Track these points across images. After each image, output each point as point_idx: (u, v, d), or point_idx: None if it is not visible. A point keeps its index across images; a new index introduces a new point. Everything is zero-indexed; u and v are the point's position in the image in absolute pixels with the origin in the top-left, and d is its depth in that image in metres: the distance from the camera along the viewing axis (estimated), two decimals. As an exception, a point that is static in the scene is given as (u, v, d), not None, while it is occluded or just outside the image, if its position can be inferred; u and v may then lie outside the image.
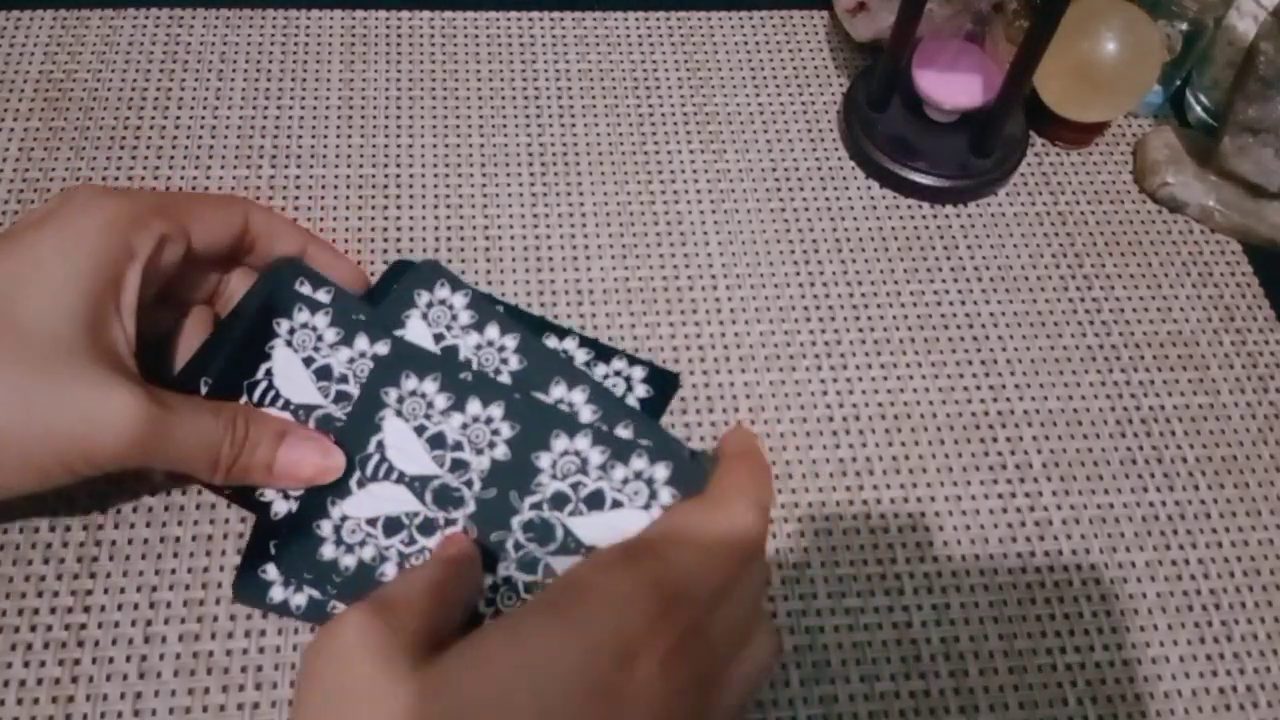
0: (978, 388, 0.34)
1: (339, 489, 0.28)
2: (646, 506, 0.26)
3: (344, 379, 0.29)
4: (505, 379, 0.29)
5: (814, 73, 0.42)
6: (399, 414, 0.27)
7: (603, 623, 0.20)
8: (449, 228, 0.36)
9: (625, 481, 0.26)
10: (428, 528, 0.27)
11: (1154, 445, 0.33)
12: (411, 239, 0.36)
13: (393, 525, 0.27)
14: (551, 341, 0.32)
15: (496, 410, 0.27)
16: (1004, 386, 0.34)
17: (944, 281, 0.37)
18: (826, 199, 0.38)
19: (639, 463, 0.26)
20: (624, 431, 0.27)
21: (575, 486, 0.26)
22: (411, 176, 0.37)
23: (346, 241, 0.36)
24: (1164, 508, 0.32)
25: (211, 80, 0.39)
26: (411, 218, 0.36)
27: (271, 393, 0.29)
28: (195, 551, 0.29)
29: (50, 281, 0.24)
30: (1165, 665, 0.29)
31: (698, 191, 0.38)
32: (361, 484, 0.28)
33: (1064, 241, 0.38)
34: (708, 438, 0.32)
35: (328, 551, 0.27)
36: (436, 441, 0.27)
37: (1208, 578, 0.31)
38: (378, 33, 0.41)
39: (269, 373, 0.29)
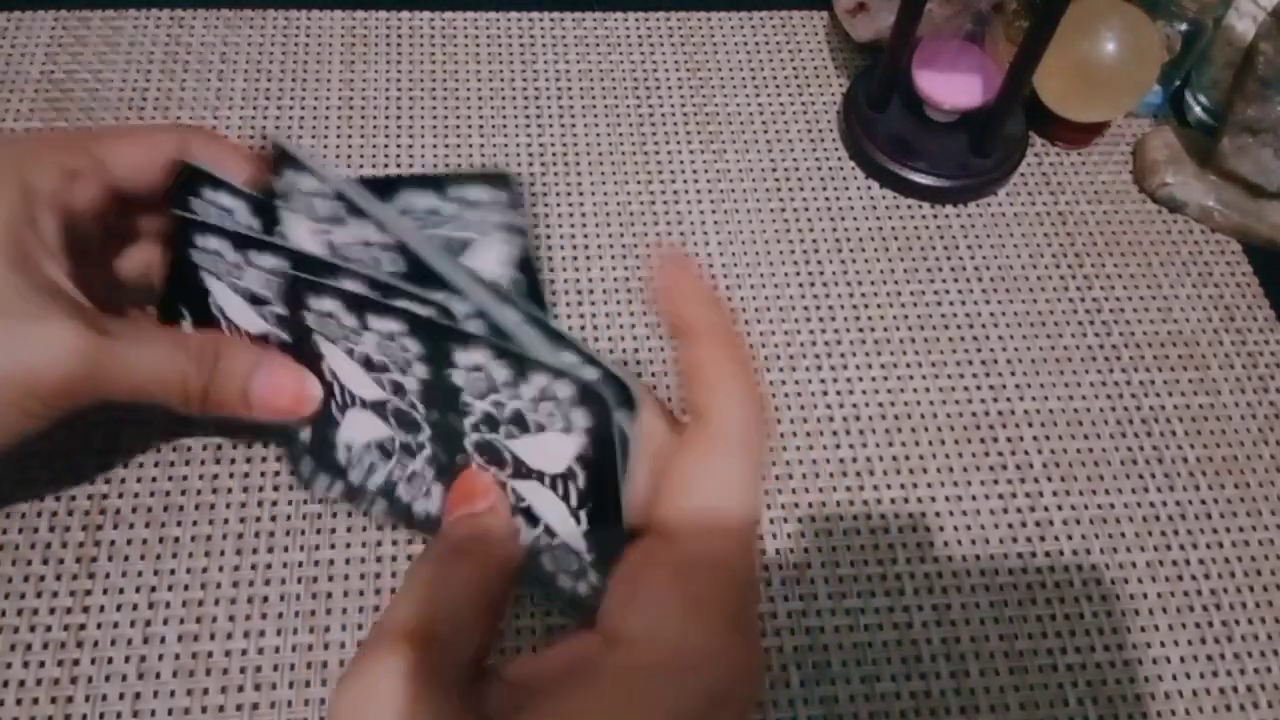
0: (978, 388, 0.34)
1: (329, 420, 0.26)
2: (566, 430, 0.22)
3: (267, 300, 0.26)
4: (382, 272, 0.25)
5: (814, 73, 0.42)
6: (326, 338, 0.25)
7: (684, 688, 0.17)
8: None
9: (536, 401, 0.22)
10: (408, 450, 0.26)
11: (1154, 445, 0.33)
12: (411, 239, 0.36)
13: (383, 449, 0.26)
14: (461, 357, 0.23)
15: (397, 325, 0.23)
16: (1004, 386, 0.34)
17: (944, 281, 0.37)
18: (826, 199, 0.38)
19: (540, 379, 0.21)
20: (515, 344, 0.22)
21: (496, 405, 0.23)
22: (411, 177, 0.37)
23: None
24: (1164, 508, 0.32)
25: (212, 80, 0.39)
26: (411, 218, 0.36)
27: (229, 323, 0.27)
28: (195, 552, 0.29)
29: None
30: (1166, 665, 0.29)
31: (698, 191, 0.38)
32: (342, 410, 0.26)
33: (1064, 241, 0.38)
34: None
35: (355, 478, 0.27)
36: (367, 364, 0.25)
37: (1208, 578, 0.31)
38: (378, 33, 0.41)
39: (218, 305, 0.27)
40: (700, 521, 0.19)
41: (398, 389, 0.24)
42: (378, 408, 0.25)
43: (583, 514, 0.23)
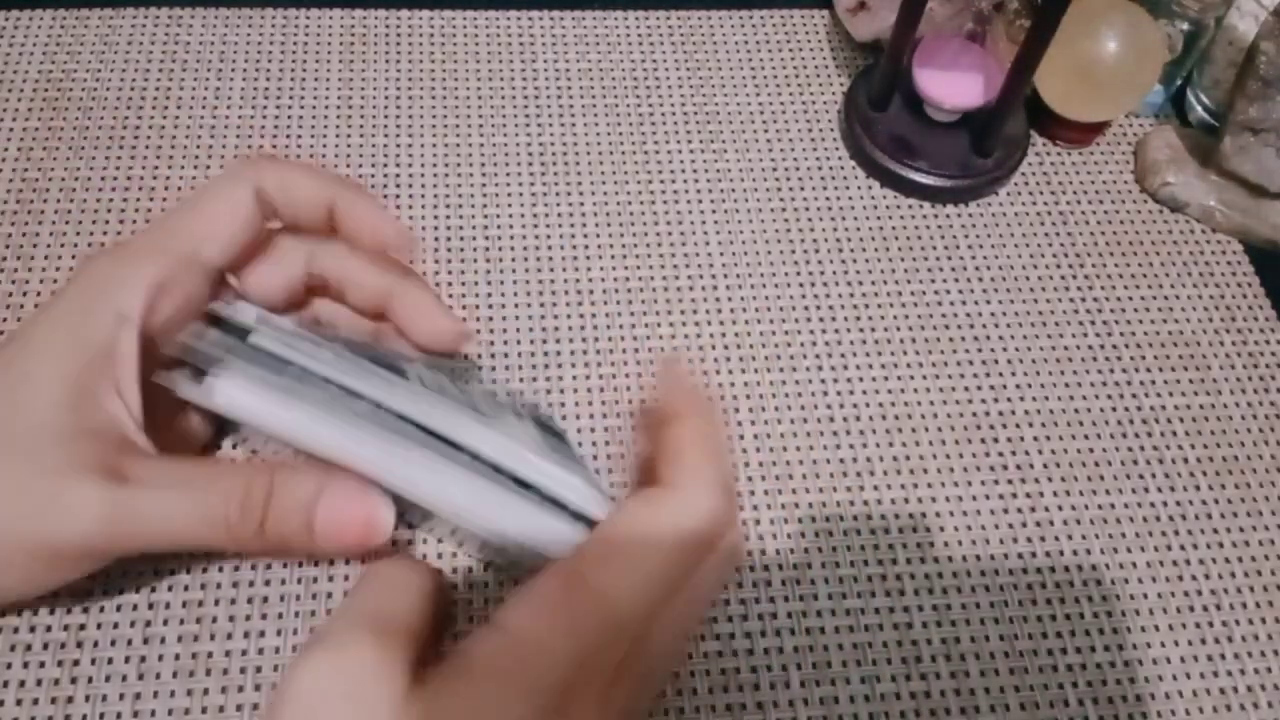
0: (978, 388, 0.34)
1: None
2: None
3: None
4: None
5: (814, 72, 0.42)
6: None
7: (545, 683, 0.19)
8: (449, 228, 0.36)
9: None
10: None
11: (1155, 445, 0.33)
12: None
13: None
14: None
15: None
16: (1005, 387, 0.34)
17: (945, 281, 0.37)
18: (827, 199, 0.38)
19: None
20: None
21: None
22: (411, 176, 0.37)
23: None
24: (1165, 508, 0.32)
25: (210, 80, 0.39)
26: (411, 218, 0.36)
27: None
28: (194, 552, 0.29)
29: (36, 379, 0.23)
30: (1166, 666, 0.29)
31: (698, 191, 0.38)
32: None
33: (1065, 241, 0.38)
34: (708, 438, 0.32)
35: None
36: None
37: (1209, 578, 0.31)
38: (377, 32, 0.41)
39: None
40: (611, 551, 0.21)
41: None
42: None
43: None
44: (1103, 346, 0.36)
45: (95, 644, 0.27)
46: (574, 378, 0.33)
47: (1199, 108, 0.41)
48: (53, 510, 0.22)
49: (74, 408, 0.23)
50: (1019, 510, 0.32)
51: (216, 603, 0.28)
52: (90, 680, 0.27)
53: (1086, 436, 0.33)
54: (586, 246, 0.36)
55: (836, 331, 0.35)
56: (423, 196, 0.37)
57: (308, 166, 0.27)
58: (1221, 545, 0.32)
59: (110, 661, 0.27)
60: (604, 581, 0.20)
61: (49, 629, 0.27)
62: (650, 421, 0.23)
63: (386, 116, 0.39)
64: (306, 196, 0.26)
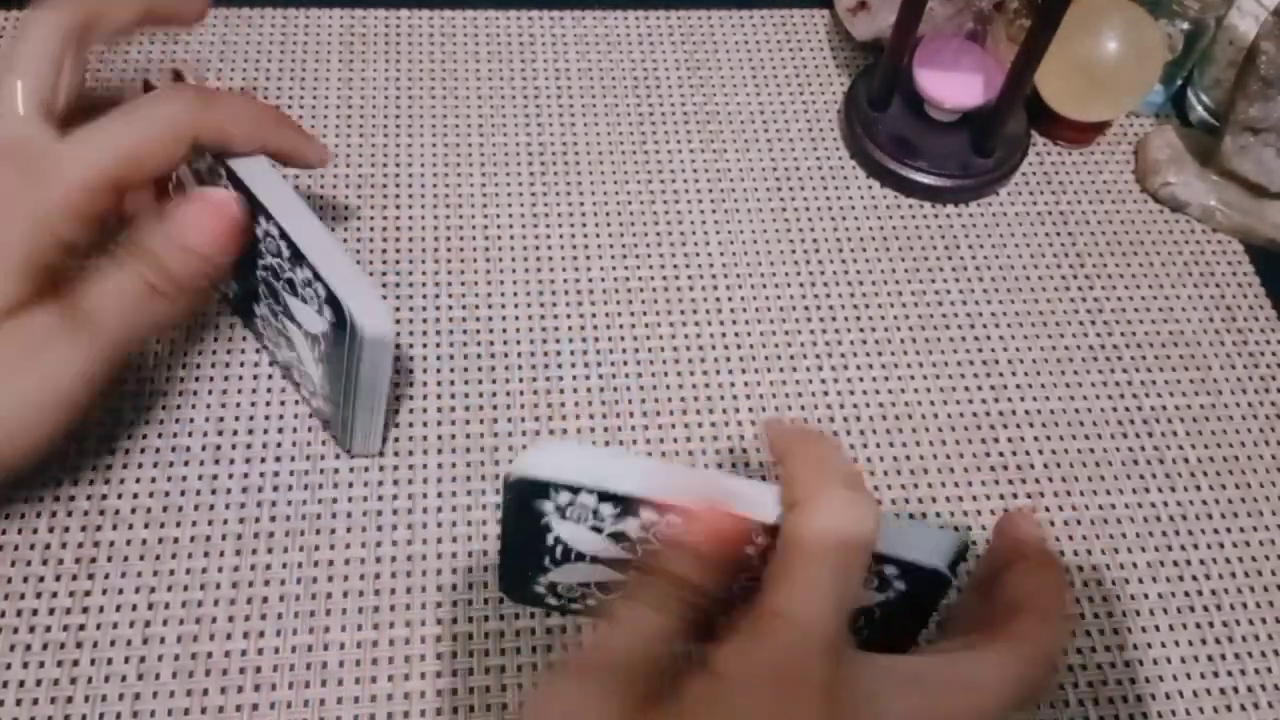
0: (979, 388, 0.34)
1: (538, 564, 0.25)
2: (319, 313, 0.27)
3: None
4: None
5: (815, 72, 0.42)
6: (564, 518, 0.24)
7: (741, 713, 0.19)
8: (449, 228, 0.36)
9: (305, 285, 0.27)
10: (605, 589, 0.26)
11: (1155, 446, 0.33)
12: (411, 239, 0.36)
13: (607, 587, 0.26)
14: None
15: (676, 517, 0.23)
16: (1005, 387, 0.34)
17: (945, 281, 0.37)
18: (827, 199, 0.38)
19: (307, 272, 0.26)
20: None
21: (279, 266, 0.27)
22: (411, 176, 0.37)
23: (345, 242, 0.35)
24: (1165, 508, 0.32)
25: (210, 80, 0.39)
26: (411, 218, 0.36)
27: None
28: (194, 552, 0.29)
29: None
30: (1167, 666, 0.29)
31: (698, 191, 0.38)
32: (556, 563, 0.25)
33: (1065, 241, 0.38)
34: (707, 438, 0.32)
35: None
36: (619, 537, 0.24)
37: (1209, 578, 0.31)
38: (376, 31, 0.41)
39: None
40: (778, 574, 0.21)
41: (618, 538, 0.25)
42: (594, 559, 0.26)
43: (321, 367, 0.29)
44: (1103, 346, 0.35)
45: (95, 644, 0.27)
46: (574, 378, 0.33)
47: (1199, 107, 0.41)
48: (40, 161, 0.24)
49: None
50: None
51: (216, 603, 0.28)
52: (90, 680, 0.27)
53: (1086, 436, 0.33)
54: (586, 246, 0.36)
55: (836, 331, 0.35)
56: (422, 196, 0.37)
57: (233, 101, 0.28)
58: (1222, 545, 0.32)
59: (110, 662, 0.27)
60: (786, 605, 0.20)
61: (49, 629, 0.27)
62: (991, 566, 0.25)
63: (386, 116, 0.39)
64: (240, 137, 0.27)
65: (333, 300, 0.26)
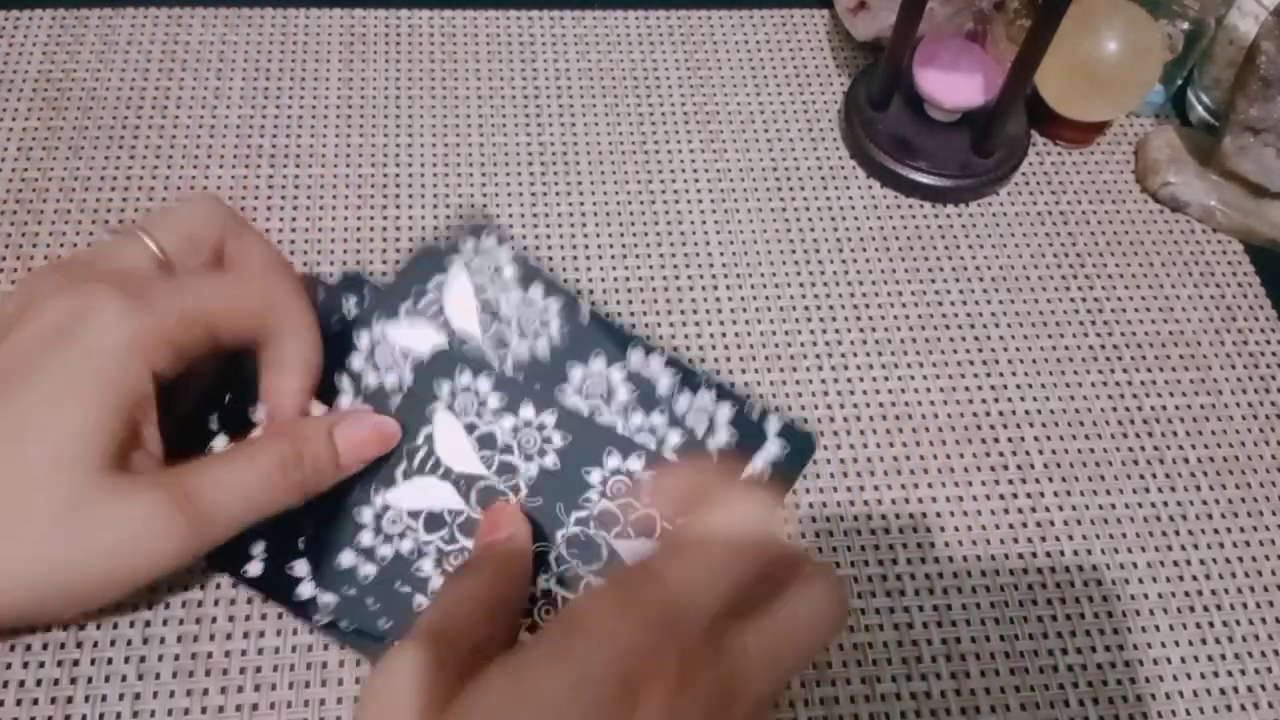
0: (979, 388, 0.34)
1: (385, 477, 0.27)
2: None
3: (507, 448, 0.27)
4: (544, 345, 0.27)
5: (814, 72, 0.42)
6: (450, 409, 0.26)
7: (601, 658, 0.19)
8: (449, 228, 0.36)
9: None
10: (469, 527, 0.27)
11: (1155, 445, 0.33)
12: (411, 239, 0.36)
13: (435, 521, 0.27)
14: (636, 356, 0.27)
15: (549, 418, 0.26)
16: (1005, 387, 0.34)
17: (945, 281, 0.37)
18: (827, 199, 0.38)
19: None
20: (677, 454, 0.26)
21: (624, 509, 0.26)
22: (411, 176, 0.37)
23: (345, 241, 0.35)
24: (1165, 508, 0.32)
25: (210, 79, 0.39)
26: (411, 218, 0.36)
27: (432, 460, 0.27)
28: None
29: (68, 422, 0.23)
30: (1167, 666, 0.29)
31: (698, 191, 0.38)
32: (407, 475, 0.27)
33: (1065, 241, 0.38)
34: (708, 438, 0.32)
35: (365, 539, 0.27)
36: (486, 441, 0.26)
37: (1209, 578, 0.31)
38: (376, 31, 0.41)
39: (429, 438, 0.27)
40: (675, 547, 0.22)
41: (505, 470, 0.27)
42: (461, 482, 0.27)
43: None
44: (1103, 346, 0.35)
45: (95, 644, 0.27)
46: (574, 378, 0.33)
47: (1199, 107, 0.41)
48: (140, 540, 0.23)
49: (115, 455, 0.24)
50: (1019, 510, 0.32)
51: (216, 603, 0.28)
52: (90, 680, 0.27)
53: (1086, 436, 0.33)
54: (586, 246, 0.36)
55: (837, 331, 0.35)
56: (422, 196, 0.37)
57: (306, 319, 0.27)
58: (1222, 545, 0.32)
59: (110, 661, 0.27)
60: (664, 568, 0.21)
61: (48, 629, 0.27)
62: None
63: (386, 116, 0.39)
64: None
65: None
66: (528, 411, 0.26)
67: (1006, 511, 0.32)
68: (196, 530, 0.24)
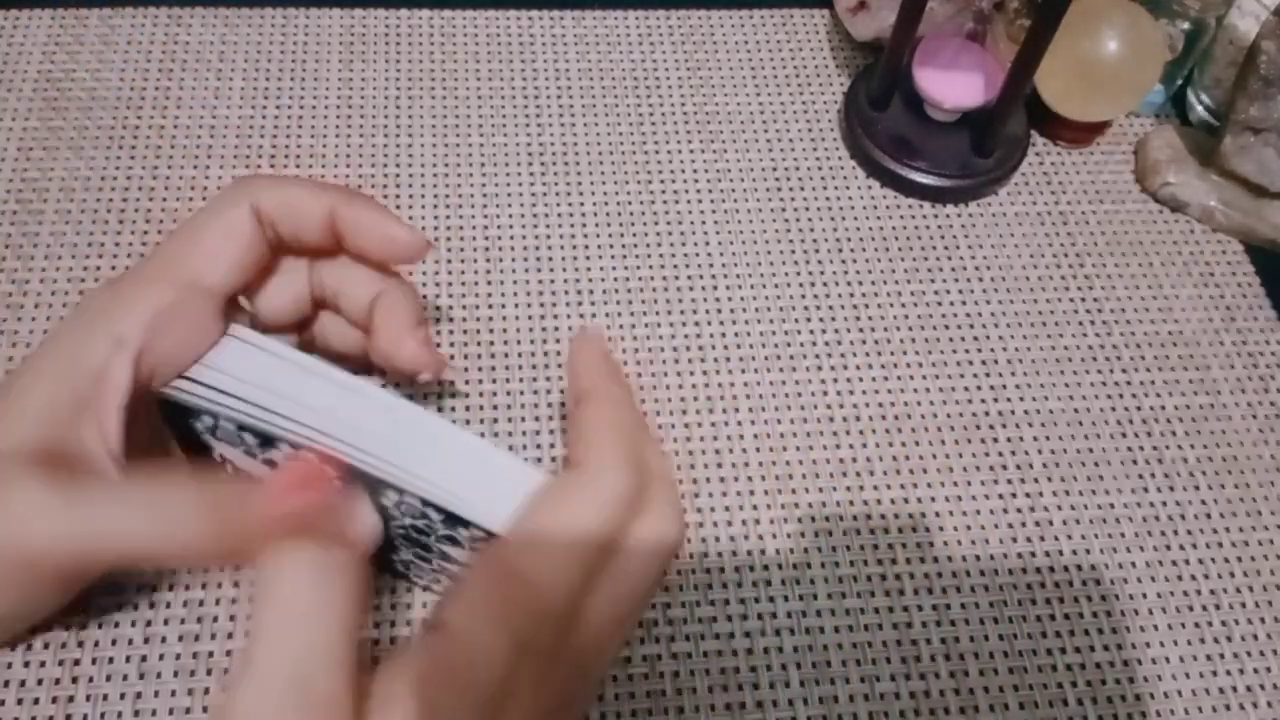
0: (978, 388, 0.34)
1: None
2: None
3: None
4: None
5: (814, 72, 0.42)
6: (215, 437, 0.24)
7: (477, 677, 0.19)
8: (449, 228, 0.36)
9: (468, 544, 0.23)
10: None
11: (1154, 445, 0.33)
12: (411, 239, 0.36)
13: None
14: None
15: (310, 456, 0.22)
16: (1005, 387, 0.34)
17: (945, 281, 0.37)
18: (827, 199, 0.38)
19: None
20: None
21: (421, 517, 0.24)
22: (411, 176, 0.37)
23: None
24: (1164, 508, 0.32)
25: (210, 79, 0.39)
26: (411, 218, 0.36)
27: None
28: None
29: (24, 405, 0.23)
30: (1165, 665, 0.29)
31: (698, 191, 0.38)
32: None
33: (1065, 241, 0.38)
34: (707, 438, 0.32)
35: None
36: (272, 465, 0.24)
37: (1208, 578, 0.31)
38: (376, 31, 0.41)
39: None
40: (534, 537, 0.21)
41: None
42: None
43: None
44: (1103, 346, 0.36)
45: (95, 644, 0.27)
46: (574, 378, 0.33)
47: (1199, 107, 0.41)
48: (10, 516, 0.22)
49: (50, 429, 0.23)
50: (1018, 510, 0.32)
51: (217, 602, 0.28)
52: (90, 680, 0.27)
53: (1086, 436, 0.33)
54: (586, 246, 0.36)
55: (836, 331, 0.35)
56: (423, 196, 0.37)
57: (306, 180, 0.27)
58: (1221, 545, 0.32)
59: (110, 661, 0.27)
60: (529, 568, 0.20)
61: (49, 628, 0.27)
62: (567, 402, 0.24)
63: (386, 116, 0.39)
64: (307, 210, 0.26)
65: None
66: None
67: (1005, 511, 0.32)
68: (70, 543, 0.22)
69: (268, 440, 0.22)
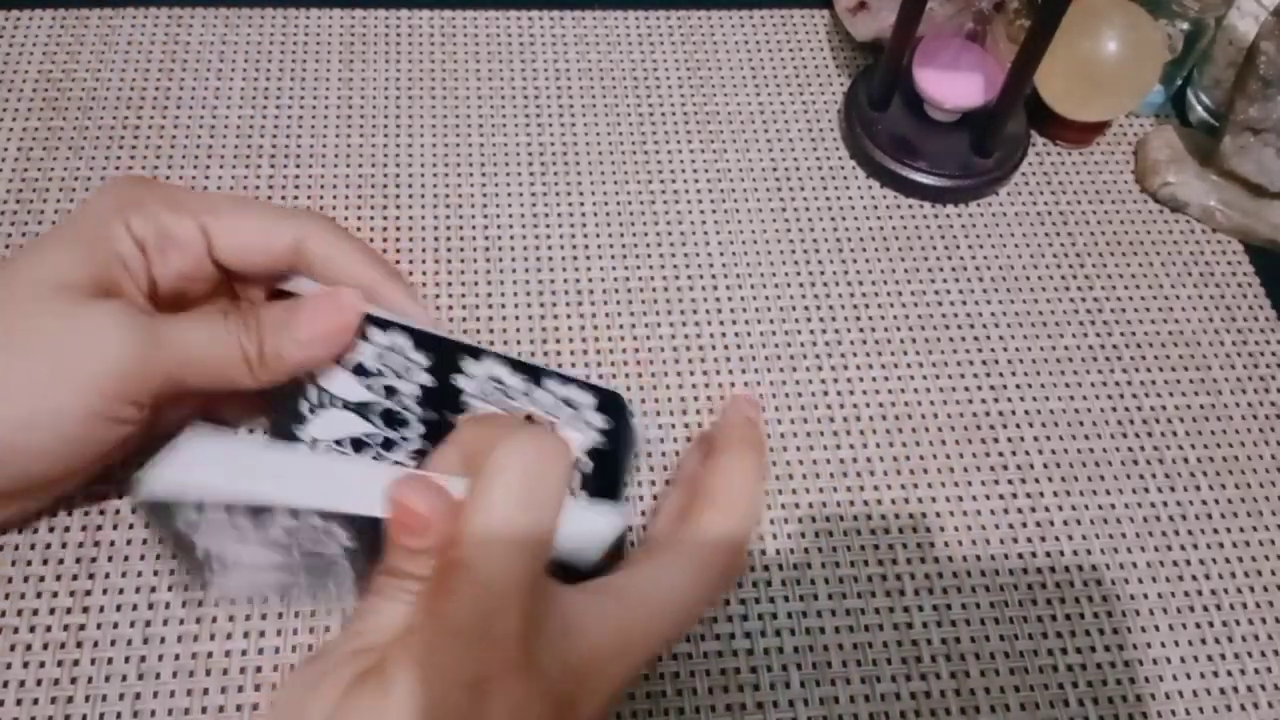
0: (979, 388, 0.34)
1: (297, 416, 0.27)
2: (580, 429, 0.25)
3: (379, 373, 0.27)
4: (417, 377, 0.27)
5: (814, 72, 0.42)
6: (198, 532, 0.24)
7: (452, 660, 0.19)
8: (449, 228, 0.36)
9: (555, 404, 0.25)
10: (390, 445, 0.27)
11: (1155, 445, 0.33)
12: (411, 239, 0.36)
13: (359, 444, 0.28)
14: (471, 367, 0.26)
15: (402, 339, 0.26)
16: (1005, 387, 0.34)
17: (945, 281, 0.37)
18: (827, 199, 0.38)
19: (561, 388, 0.25)
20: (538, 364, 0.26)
21: (504, 408, 0.26)
22: (411, 176, 0.37)
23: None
24: (1165, 508, 0.32)
25: (210, 80, 0.39)
26: (411, 218, 0.36)
27: (327, 396, 0.28)
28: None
29: (51, 256, 0.25)
30: (1166, 666, 0.29)
31: (698, 191, 0.38)
32: (313, 411, 0.27)
33: (1065, 241, 0.38)
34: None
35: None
36: (360, 371, 0.27)
37: (1209, 578, 0.31)
38: (376, 32, 0.41)
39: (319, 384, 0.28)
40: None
41: (390, 391, 0.27)
42: (361, 408, 0.27)
43: (583, 493, 0.26)
44: (1103, 346, 0.35)
45: (95, 644, 0.27)
46: (574, 378, 0.33)
47: (1199, 108, 0.41)
48: (87, 336, 0.24)
49: (87, 277, 0.25)
50: (1019, 510, 0.32)
51: (216, 603, 0.28)
52: (90, 680, 0.27)
53: (1086, 436, 0.33)
54: (586, 246, 0.36)
55: (836, 331, 0.35)
56: (423, 196, 0.37)
57: (360, 247, 0.28)
58: (1221, 545, 0.32)
59: (110, 661, 0.27)
60: (463, 553, 0.20)
61: (49, 629, 0.27)
62: (707, 443, 0.26)
63: (386, 116, 0.39)
64: (346, 276, 0.27)
65: (611, 402, 0.25)
66: (379, 337, 0.26)
67: (1006, 511, 0.32)
68: (151, 353, 0.24)
69: (259, 513, 0.23)
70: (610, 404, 0.24)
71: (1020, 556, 0.31)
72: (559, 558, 0.22)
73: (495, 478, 0.20)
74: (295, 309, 0.26)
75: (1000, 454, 0.33)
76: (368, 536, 0.22)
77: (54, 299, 0.24)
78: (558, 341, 0.34)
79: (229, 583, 0.26)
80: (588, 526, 0.22)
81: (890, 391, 0.34)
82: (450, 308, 0.34)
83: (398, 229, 0.36)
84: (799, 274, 0.36)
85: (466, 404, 0.26)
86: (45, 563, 0.28)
